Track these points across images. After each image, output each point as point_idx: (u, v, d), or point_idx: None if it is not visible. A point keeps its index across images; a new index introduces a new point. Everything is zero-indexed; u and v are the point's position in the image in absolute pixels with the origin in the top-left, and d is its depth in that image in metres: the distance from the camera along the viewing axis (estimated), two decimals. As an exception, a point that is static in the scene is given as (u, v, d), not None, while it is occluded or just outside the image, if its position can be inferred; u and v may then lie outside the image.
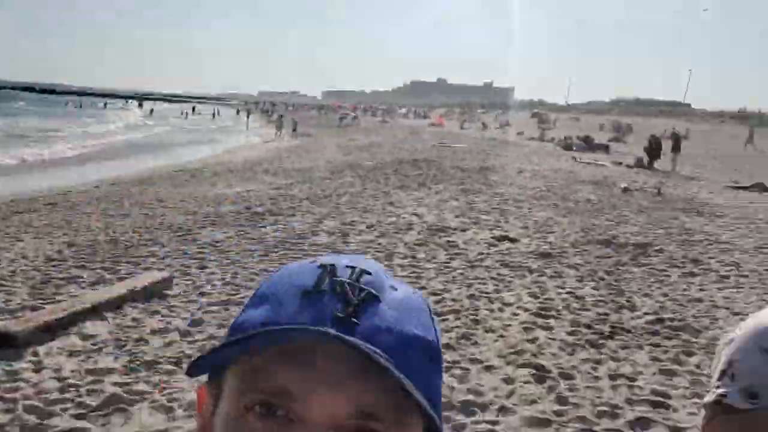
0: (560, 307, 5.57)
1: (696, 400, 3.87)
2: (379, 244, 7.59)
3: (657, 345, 4.79)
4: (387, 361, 0.42)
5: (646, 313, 5.50)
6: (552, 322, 5.20)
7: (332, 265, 0.49)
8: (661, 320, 5.33)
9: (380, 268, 0.51)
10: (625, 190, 14.03)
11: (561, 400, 3.84)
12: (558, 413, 3.68)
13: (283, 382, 0.43)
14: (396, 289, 0.49)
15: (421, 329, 0.47)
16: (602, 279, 6.57)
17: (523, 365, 4.32)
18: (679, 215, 11.06)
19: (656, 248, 8.15)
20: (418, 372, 0.44)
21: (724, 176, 19.54)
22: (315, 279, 0.47)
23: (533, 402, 3.81)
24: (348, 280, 0.47)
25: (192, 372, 0.47)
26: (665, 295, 6.11)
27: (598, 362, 4.42)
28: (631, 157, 23.19)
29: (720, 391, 1.39)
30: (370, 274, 0.48)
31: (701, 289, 6.39)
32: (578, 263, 7.17)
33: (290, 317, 0.45)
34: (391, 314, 0.46)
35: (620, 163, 22.16)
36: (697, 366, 4.42)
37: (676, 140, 21.95)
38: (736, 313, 5.62)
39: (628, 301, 5.87)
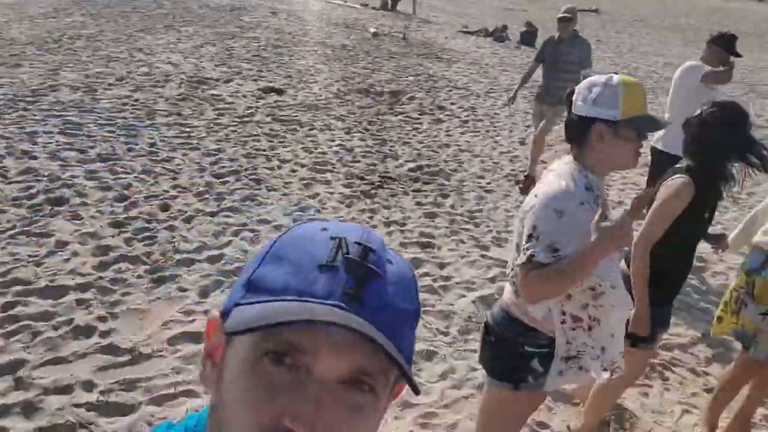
0: (334, 161, 5.91)
1: (454, 238, 4.63)
2: (137, 100, 6.92)
3: (419, 191, 5.47)
4: (384, 340, 0.52)
5: (407, 161, 6.14)
6: (329, 176, 5.53)
7: (343, 239, 0.56)
8: (420, 167, 6.02)
9: (380, 241, 0.59)
10: (375, 35, 14.53)
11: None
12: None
13: (300, 339, 0.52)
14: (392, 263, 0.58)
15: (410, 302, 0.58)
16: (367, 130, 7.04)
17: (309, 221, 4.61)
18: (423, 61, 11.96)
19: (408, 95, 8.87)
20: (402, 338, 0.56)
21: (457, 19, 21.28)
22: (328, 253, 0.55)
23: (324, 255, 4.16)
24: (357, 259, 0.55)
25: (224, 316, 0.57)
26: (420, 142, 6.83)
27: (373, 211, 4.93)
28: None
29: (529, 252, 1.76)
30: (374, 251, 0.57)
31: (448, 135, 7.27)
32: (344, 114, 7.51)
33: (308, 286, 0.53)
34: (390, 290, 0.56)
35: (366, 5, 22.57)
36: (452, 207, 5.20)
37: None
38: (476, 156, 6.60)
39: (391, 150, 6.45)
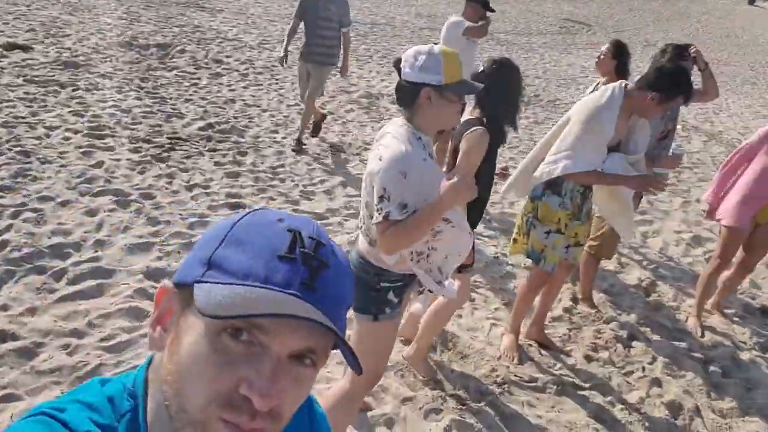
0: (112, 124, 5.35)
1: (263, 196, 4.58)
2: None
3: (215, 150, 5.25)
4: (333, 326, 0.60)
5: (194, 120, 5.82)
6: (110, 141, 5.00)
7: (299, 233, 0.63)
8: (210, 125, 5.75)
9: (327, 235, 0.68)
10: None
11: (151, 220, 3.97)
12: (154, 234, 3.83)
13: (264, 323, 0.58)
14: (336, 255, 0.66)
15: (348, 291, 0.68)
16: (141, 87, 6.46)
17: (100, 193, 4.17)
18: (185, 11, 11.20)
19: (178, 48, 8.29)
20: (342, 320, 0.66)
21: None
22: (287, 244, 0.62)
23: (127, 229, 3.83)
24: (311, 252, 0.63)
25: (179, 286, 0.64)
26: (204, 98, 6.50)
27: (171, 176, 4.63)
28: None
29: (384, 212, 1.91)
30: (324, 246, 0.65)
31: (231, 89, 7.02)
32: (110, 72, 6.76)
33: (270, 274, 0.60)
34: (335, 280, 0.64)
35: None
36: (253, 164, 5.11)
37: None
38: (265, 110, 6.51)
39: (173, 108, 6.03)
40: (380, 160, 1.93)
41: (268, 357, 0.59)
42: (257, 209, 0.69)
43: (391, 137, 1.97)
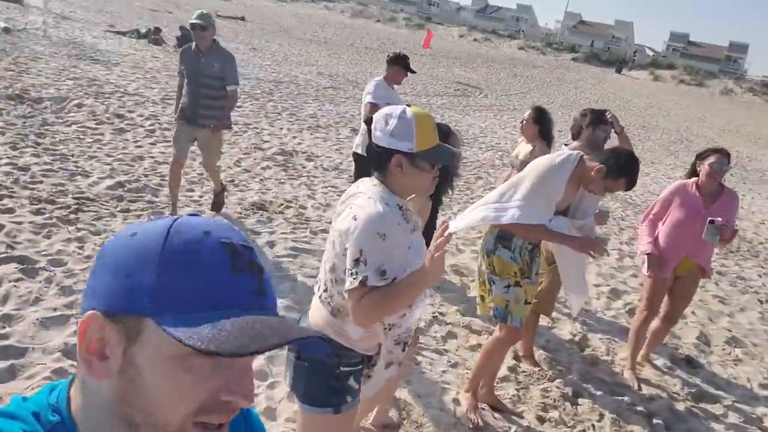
0: (8, 183, 4.82)
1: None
2: None
3: (128, 210, 4.87)
4: (294, 342, 0.62)
5: (101, 178, 5.40)
6: (8, 202, 4.49)
7: (232, 244, 0.65)
8: (120, 184, 5.35)
9: (241, 234, 0.69)
10: (7, 30, 12.28)
11: (64, 290, 3.55)
12: (69, 305, 3.41)
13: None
14: (256, 255, 0.68)
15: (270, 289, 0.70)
16: (38, 144, 5.94)
17: (2, 261, 3.69)
18: (78, 63, 10.63)
19: (75, 102, 7.77)
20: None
21: (99, 17, 19.40)
22: (229, 260, 0.63)
23: (38, 300, 3.38)
24: (251, 260, 0.65)
25: (109, 314, 0.62)
26: (109, 155, 6.07)
27: (81, 240, 4.21)
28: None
29: (360, 277, 1.76)
30: (252, 249, 0.67)
31: (138, 146, 6.62)
32: (2, 127, 6.17)
33: (228, 295, 0.62)
34: (269, 277, 0.69)
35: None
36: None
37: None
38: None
39: (76, 166, 5.57)
40: (355, 219, 1.79)
41: (239, 364, 0.64)
42: (176, 221, 0.66)
43: (366, 197, 1.85)
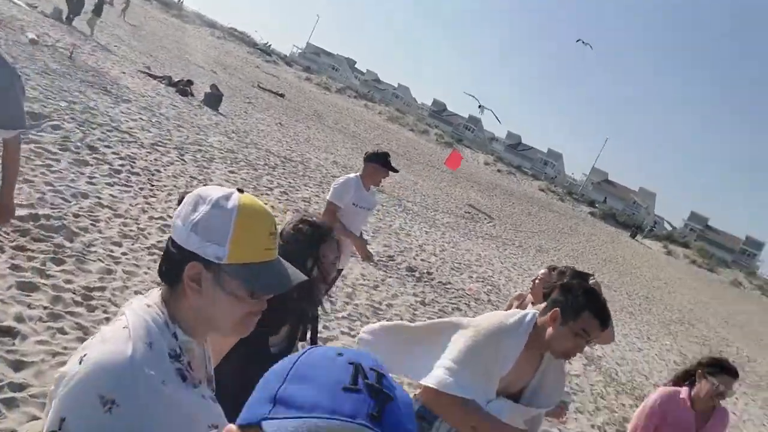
0: None
1: (51, 324, 3.44)
2: None
3: (22, 248, 4.11)
4: None
5: (21, 205, 4.69)
6: None
7: (360, 365, 0.64)
8: (36, 216, 4.64)
9: (386, 368, 0.67)
10: (34, 42, 12.19)
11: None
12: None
13: None
14: (397, 388, 0.66)
15: (413, 424, 0.66)
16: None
17: None
18: (87, 89, 10.31)
19: (53, 123, 7.26)
20: None
21: (141, 58, 19.65)
22: (351, 376, 0.63)
23: None
24: (375, 384, 0.63)
25: (243, 426, 0.65)
26: (49, 184, 5.41)
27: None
28: (49, 5, 20.57)
29: None
30: (386, 377, 0.65)
31: (90, 182, 5.98)
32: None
33: (336, 406, 0.60)
34: (401, 412, 0.63)
35: (36, 7, 19.35)
36: (67, 280, 3.98)
37: (100, 2, 20.67)
38: (119, 215, 5.48)
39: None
40: (80, 363, 1.02)
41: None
42: (317, 346, 0.70)
43: (116, 327, 1.08)
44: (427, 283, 8.38)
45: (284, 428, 0.59)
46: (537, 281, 3.55)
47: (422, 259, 9.62)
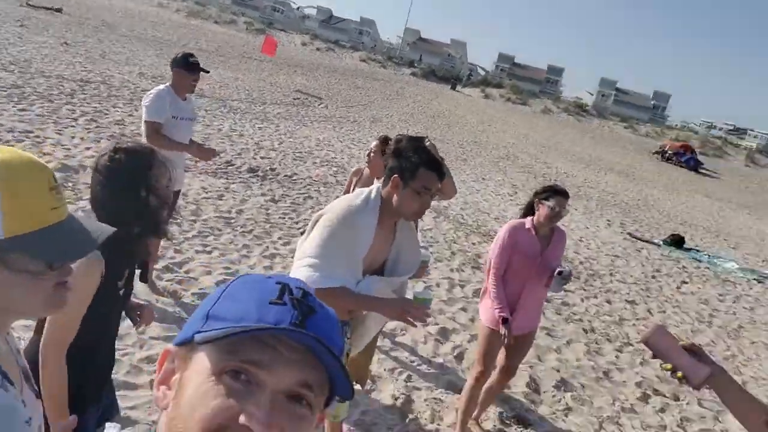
0: None
1: None
2: None
3: None
4: (330, 348, 0.64)
5: None
6: None
7: (287, 284, 0.69)
8: None
9: (311, 289, 0.72)
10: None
11: None
12: None
13: (257, 356, 0.63)
14: (323, 307, 0.70)
15: (339, 339, 0.71)
16: None
17: None
18: None
19: None
20: (336, 362, 0.67)
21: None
22: (278, 292, 0.68)
23: None
24: (299, 298, 0.68)
25: (179, 344, 0.69)
26: None
27: None
28: None
29: None
30: (311, 295, 0.70)
31: None
32: None
33: (262, 316, 0.65)
34: (325, 325, 0.68)
35: None
36: None
37: None
38: None
39: None
40: None
41: (265, 392, 0.63)
42: (248, 273, 0.75)
43: None
44: (273, 180, 8.31)
45: (212, 336, 0.64)
46: (372, 154, 3.69)
47: (262, 157, 9.44)
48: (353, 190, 3.90)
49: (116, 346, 2.41)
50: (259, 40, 38.97)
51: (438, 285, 5.95)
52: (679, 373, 1.48)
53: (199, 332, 0.65)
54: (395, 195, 2.31)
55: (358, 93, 26.81)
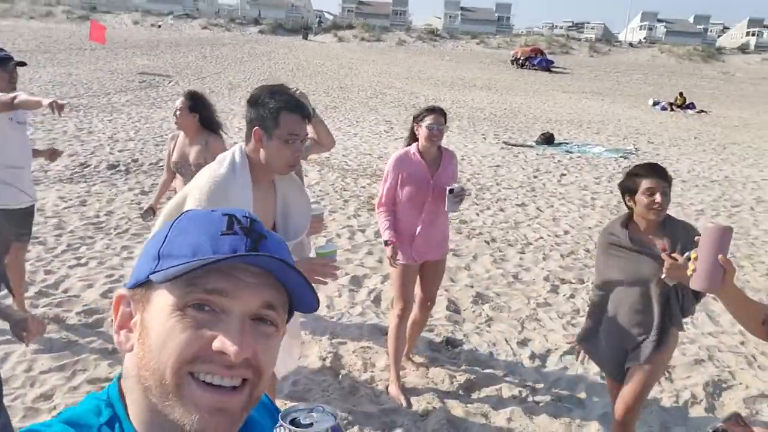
0: None
1: None
2: None
3: None
4: (289, 265, 0.68)
5: None
6: None
7: (234, 215, 0.71)
8: None
9: (256, 215, 0.75)
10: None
11: None
12: None
13: (219, 285, 0.66)
14: (270, 233, 0.73)
15: (290, 259, 0.73)
16: None
17: None
18: None
19: None
20: (300, 278, 0.70)
21: None
22: (226, 223, 0.69)
23: None
24: (248, 227, 0.70)
25: (133, 287, 0.70)
26: None
27: None
28: None
29: None
30: (258, 222, 0.72)
31: None
32: None
33: (216, 248, 0.67)
34: (276, 249, 0.71)
35: None
36: None
37: None
38: None
39: None
40: None
41: (232, 317, 0.66)
42: (190, 210, 0.77)
43: None
44: (138, 171, 7.69)
45: (171, 274, 0.64)
46: (178, 112, 3.66)
47: (120, 150, 8.70)
48: (173, 155, 3.70)
49: (2, 392, 2.11)
50: (84, 28, 35.64)
51: (339, 236, 5.84)
52: (691, 267, 1.66)
53: (154, 272, 0.66)
54: (261, 149, 2.06)
55: (207, 62, 25.44)
